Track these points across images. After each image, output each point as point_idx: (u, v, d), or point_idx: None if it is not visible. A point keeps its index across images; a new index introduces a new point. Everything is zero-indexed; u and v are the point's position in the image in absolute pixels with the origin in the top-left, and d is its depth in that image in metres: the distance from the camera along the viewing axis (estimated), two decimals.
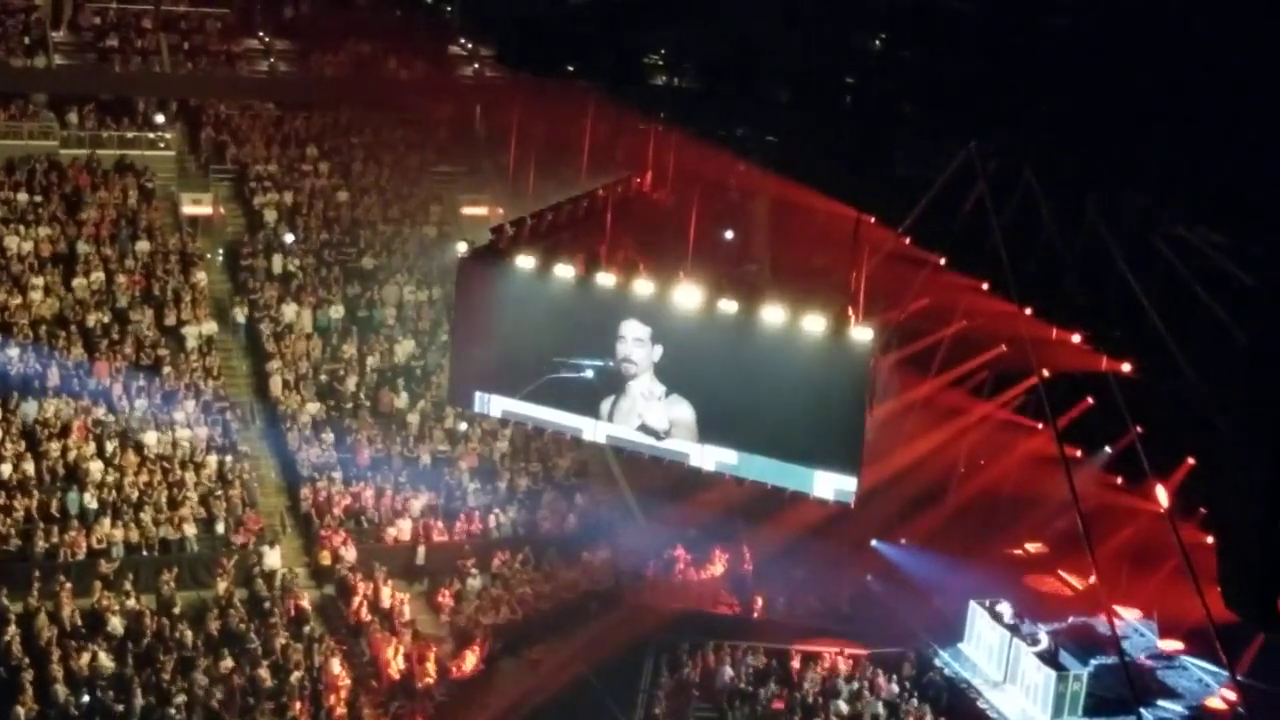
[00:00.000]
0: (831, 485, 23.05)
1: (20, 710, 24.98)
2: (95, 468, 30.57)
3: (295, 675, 26.87)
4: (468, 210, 39.20)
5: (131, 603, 28.29)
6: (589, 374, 24.26)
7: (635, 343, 24.00)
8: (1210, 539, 24.08)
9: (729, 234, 33.47)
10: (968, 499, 32.53)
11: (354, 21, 42.43)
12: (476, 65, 42.95)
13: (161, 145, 39.24)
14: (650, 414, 24.01)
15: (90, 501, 29.97)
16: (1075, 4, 23.30)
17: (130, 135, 38.93)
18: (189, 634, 27.62)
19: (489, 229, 26.76)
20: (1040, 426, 30.09)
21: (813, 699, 27.96)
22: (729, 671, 28.50)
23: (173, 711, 25.60)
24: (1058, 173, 25.70)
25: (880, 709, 27.87)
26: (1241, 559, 16.61)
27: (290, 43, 42.40)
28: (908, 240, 29.18)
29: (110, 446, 31.20)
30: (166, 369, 33.27)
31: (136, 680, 26.07)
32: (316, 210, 38.91)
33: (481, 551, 31.53)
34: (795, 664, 29.02)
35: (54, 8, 40.64)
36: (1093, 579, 30.31)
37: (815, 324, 22.69)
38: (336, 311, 36.30)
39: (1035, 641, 28.47)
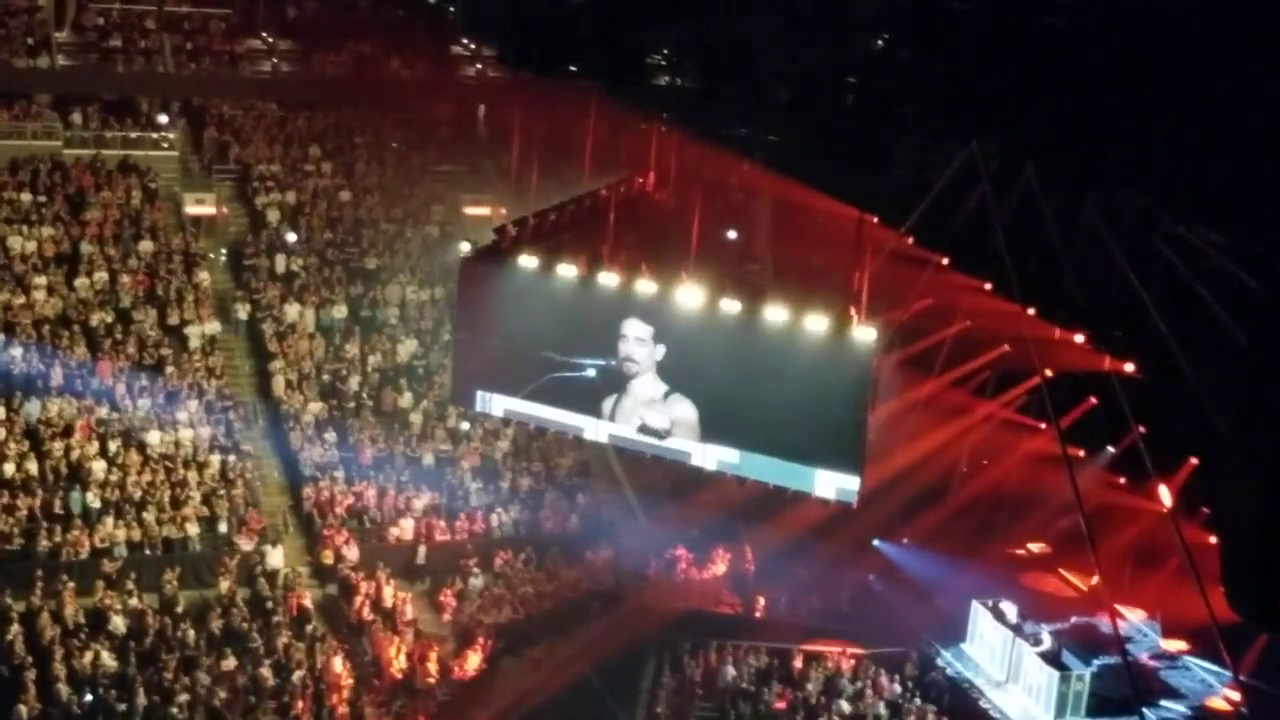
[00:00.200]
0: (833, 485, 23.01)
1: (23, 709, 25.04)
2: (98, 467, 30.62)
3: (297, 674, 26.91)
4: (470, 210, 39.22)
5: (134, 602, 28.35)
6: (590, 373, 24.25)
7: (637, 342, 23.99)
8: (1213, 539, 24.06)
9: (731, 234, 33.47)
10: (970, 499, 32.54)
11: (356, 21, 42.53)
12: (479, 65, 43.02)
13: (165, 145, 39.32)
14: (651, 416, 24.01)
15: (93, 501, 30.02)
16: (1075, 4, 23.26)
17: (133, 135, 39.01)
18: (191, 633, 27.66)
19: (491, 229, 26.74)
20: (1043, 426, 30.06)
21: (815, 699, 27.96)
22: (731, 671, 28.51)
23: (175, 710, 25.64)
24: (1058, 173, 25.69)
25: (883, 709, 27.87)
26: (1244, 559, 16.64)
27: (293, 43, 42.48)
28: (910, 240, 29.17)
29: (113, 446, 31.26)
30: (169, 369, 33.33)
31: (139, 679, 26.11)
32: (319, 210, 38.97)
33: (483, 551, 31.57)
34: (797, 664, 29.02)
35: (57, 8, 40.69)
36: (1095, 579, 30.32)
37: (817, 324, 22.68)
38: (339, 311, 36.34)
39: (1038, 641, 28.46)
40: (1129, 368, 28.30)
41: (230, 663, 26.97)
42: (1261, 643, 25.75)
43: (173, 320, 34.86)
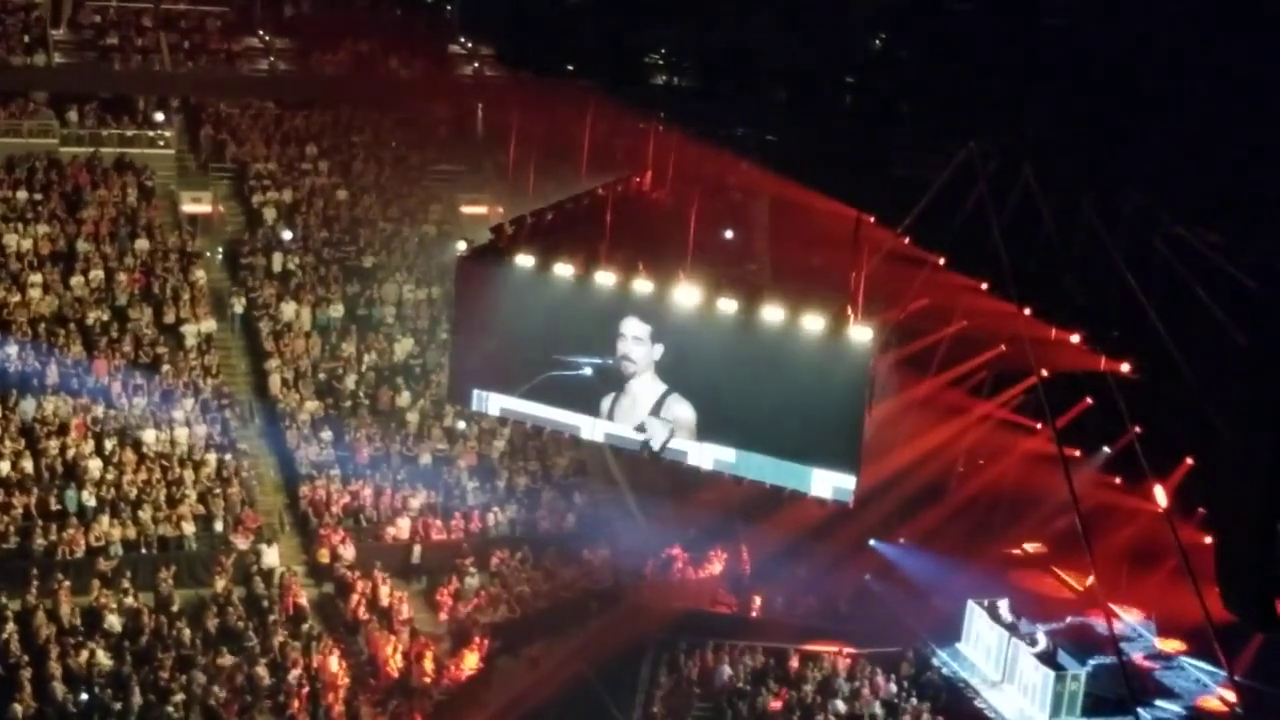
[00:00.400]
0: (830, 484, 23.00)
1: (18, 708, 24.97)
2: (94, 465, 30.56)
3: (293, 673, 26.86)
4: (467, 209, 39.21)
5: (130, 600, 28.28)
6: (588, 371, 24.23)
7: (635, 341, 23.97)
8: (1209, 539, 24.07)
9: (729, 233, 33.49)
10: (967, 499, 32.53)
11: (354, 20, 42.50)
12: (476, 64, 42.98)
13: (161, 143, 39.27)
14: (650, 428, 24.02)
15: (89, 499, 29.96)
16: (1074, 4, 23.30)
17: (130, 133, 38.96)
18: (187, 632, 27.61)
19: (488, 228, 26.71)
20: (1039, 426, 30.05)
21: (811, 699, 27.96)
22: (727, 671, 28.51)
23: (171, 709, 25.58)
24: (1056, 173, 25.71)
25: (878, 709, 27.87)
26: (1240, 560, 16.64)
27: (290, 41, 42.45)
28: (907, 240, 29.19)
29: (109, 444, 31.20)
30: (165, 367, 33.28)
31: (135, 678, 26.05)
32: (316, 209, 38.92)
33: (480, 550, 31.53)
34: (794, 663, 29.02)
35: (54, 6, 40.67)
36: (1091, 579, 30.31)
37: (815, 323, 22.67)
38: (336, 310, 36.30)
39: (1033, 641, 28.45)
40: (1125, 368, 28.31)
41: (226, 661, 26.92)
42: (1257, 643, 25.73)
43: (169, 318, 34.81)
